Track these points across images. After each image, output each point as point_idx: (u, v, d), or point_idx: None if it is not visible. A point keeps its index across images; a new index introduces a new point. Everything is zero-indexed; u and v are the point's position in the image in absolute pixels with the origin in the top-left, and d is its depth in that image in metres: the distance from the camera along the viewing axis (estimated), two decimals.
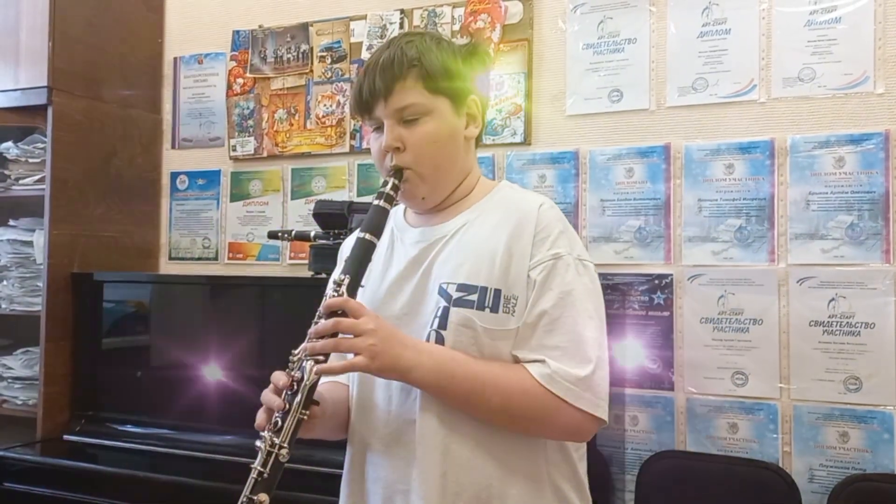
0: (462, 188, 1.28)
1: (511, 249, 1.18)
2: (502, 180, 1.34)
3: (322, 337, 1.12)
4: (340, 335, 1.12)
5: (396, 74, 1.19)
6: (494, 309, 1.16)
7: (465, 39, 1.42)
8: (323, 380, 1.32)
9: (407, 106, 1.20)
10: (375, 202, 1.20)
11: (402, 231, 1.31)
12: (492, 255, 1.18)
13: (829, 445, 2.09)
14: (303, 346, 1.13)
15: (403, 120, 1.20)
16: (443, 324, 1.17)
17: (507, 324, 1.16)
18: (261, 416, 1.14)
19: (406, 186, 1.22)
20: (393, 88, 1.19)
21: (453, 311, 1.16)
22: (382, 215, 1.20)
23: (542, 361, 1.14)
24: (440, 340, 1.17)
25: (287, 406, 1.11)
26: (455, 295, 1.17)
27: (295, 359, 1.14)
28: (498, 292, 1.17)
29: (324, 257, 2.25)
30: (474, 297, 1.16)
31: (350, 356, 1.13)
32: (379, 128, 1.23)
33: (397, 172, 1.21)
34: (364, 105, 1.23)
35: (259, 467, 1.10)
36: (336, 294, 1.14)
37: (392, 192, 1.20)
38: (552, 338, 1.14)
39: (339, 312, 1.13)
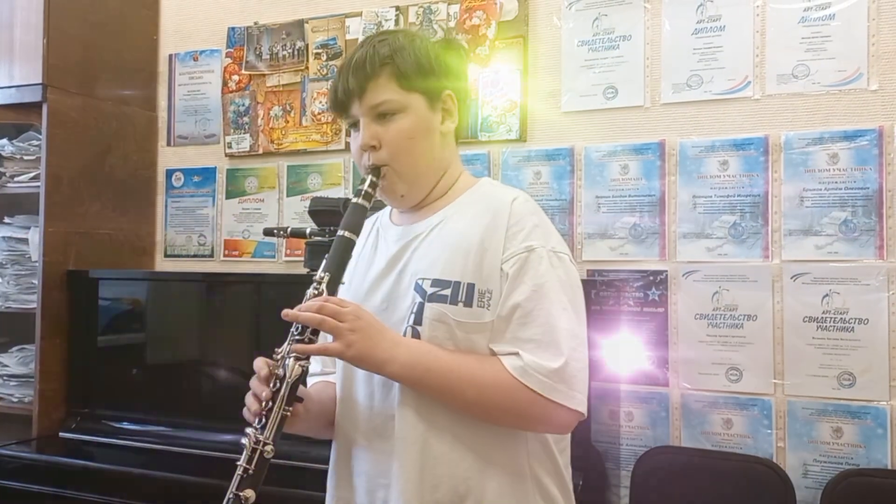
0: (442, 184, 1.29)
1: (484, 243, 1.19)
2: (484, 178, 1.35)
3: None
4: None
5: (369, 73, 1.21)
6: (468, 303, 1.17)
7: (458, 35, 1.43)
8: (316, 379, 1.34)
9: (380, 103, 1.21)
10: (354, 200, 1.22)
11: (385, 230, 1.33)
12: (466, 250, 1.19)
13: (823, 441, 2.10)
14: (294, 322, 1.15)
15: (378, 117, 1.22)
16: (418, 319, 1.18)
17: (481, 317, 1.17)
18: (250, 400, 1.16)
19: (384, 183, 1.23)
20: (366, 87, 1.21)
21: (428, 306, 1.18)
22: (361, 213, 1.21)
23: (517, 354, 1.14)
24: (416, 336, 1.18)
25: (271, 403, 1.12)
26: (430, 290, 1.18)
27: (278, 357, 1.15)
28: (472, 286, 1.17)
29: (319, 254, 2.24)
30: (448, 291, 1.18)
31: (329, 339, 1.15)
32: (356, 126, 1.25)
33: (375, 170, 1.22)
34: (340, 104, 1.25)
35: (244, 464, 1.11)
36: (316, 292, 1.16)
37: (370, 190, 1.22)
38: (526, 330, 1.15)
39: None
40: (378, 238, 1.33)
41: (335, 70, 2.67)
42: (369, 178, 1.22)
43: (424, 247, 1.24)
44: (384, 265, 1.26)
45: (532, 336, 1.15)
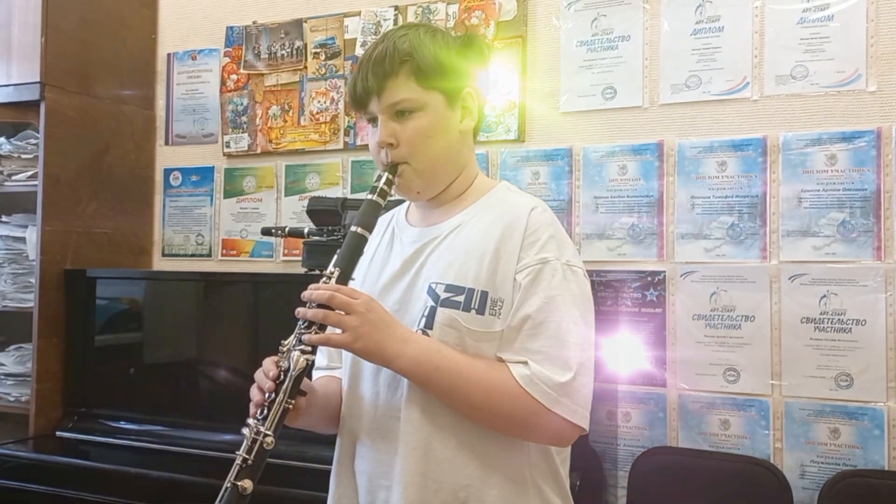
0: (459, 183, 1.28)
1: (499, 252, 1.18)
2: (501, 181, 1.34)
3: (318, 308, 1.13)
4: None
5: (388, 70, 1.20)
6: (481, 311, 1.17)
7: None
8: (321, 373, 1.34)
9: (399, 101, 1.20)
10: (369, 197, 1.21)
11: (401, 230, 1.32)
12: (480, 257, 1.19)
13: (820, 441, 2.10)
14: (296, 331, 1.14)
15: (396, 114, 1.21)
16: (429, 323, 1.18)
17: (492, 326, 1.17)
18: (254, 391, 1.16)
19: (400, 181, 1.22)
20: (385, 84, 1.20)
21: (440, 311, 1.17)
22: (375, 210, 1.21)
23: (525, 363, 1.14)
24: None
25: (273, 394, 1.12)
26: (443, 295, 1.18)
27: (284, 349, 1.15)
28: (485, 294, 1.17)
29: (317, 254, 2.25)
30: (461, 298, 1.17)
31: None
32: (374, 122, 1.24)
33: (392, 168, 1.21)
34: (358, 101, 1.24)
35: (244, 454, 1.11)
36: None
37: (385, 187, 1.21)
38: (535, 342, 1.15)
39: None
40: (393, 237, 1.32)
41: (332, 68, 2.68)
42: (385, 176, 1.21)
43: (440, 251, 1.23)
44: (399, 266, 1.26)
45: (541, 348, 1.14)
